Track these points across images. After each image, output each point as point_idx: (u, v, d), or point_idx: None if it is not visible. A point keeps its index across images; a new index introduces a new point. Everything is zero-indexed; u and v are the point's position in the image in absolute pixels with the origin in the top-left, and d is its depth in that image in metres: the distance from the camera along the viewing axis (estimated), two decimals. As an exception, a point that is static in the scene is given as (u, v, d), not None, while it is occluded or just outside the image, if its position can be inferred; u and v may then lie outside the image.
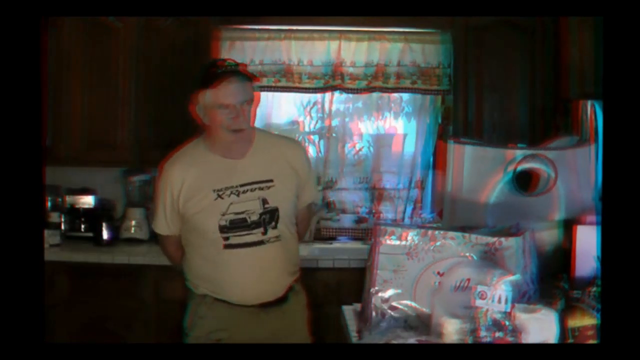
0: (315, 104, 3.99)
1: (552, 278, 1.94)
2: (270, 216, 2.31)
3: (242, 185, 2.31)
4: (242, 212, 2.28)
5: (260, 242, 2.30)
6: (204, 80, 2.27)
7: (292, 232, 2.42)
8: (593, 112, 3.23)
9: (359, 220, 4.00)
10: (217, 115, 2.26)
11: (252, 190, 2.31)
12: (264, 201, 2.31)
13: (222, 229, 2.28)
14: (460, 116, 3.72)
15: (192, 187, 2.31)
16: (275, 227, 2.32)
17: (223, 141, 2.32)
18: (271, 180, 2.34)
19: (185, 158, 2.38)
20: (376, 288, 1.86)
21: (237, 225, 2.28)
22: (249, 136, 2.37)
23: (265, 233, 2.30)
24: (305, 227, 2.64)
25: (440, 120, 3.94)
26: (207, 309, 2.33)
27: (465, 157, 2.45)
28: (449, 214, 2.50)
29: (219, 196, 2.29)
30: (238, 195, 2.30)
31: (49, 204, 3.80)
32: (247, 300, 2.32)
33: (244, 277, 2.30)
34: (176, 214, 2.35)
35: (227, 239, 2.28)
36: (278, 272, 2.36)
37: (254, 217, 2.29)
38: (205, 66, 2.37)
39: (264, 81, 3.74)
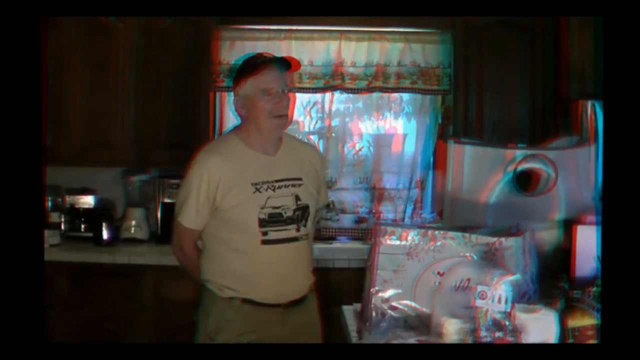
0: (315, 104, 3.99)
1: (552, 278, 1.94)
2: (302, 213, 2.35)
3: (277, 181, 2.33)
4: (279, 207, 2.30)
5: (295, 239, 2.33)
6: (245, 70, 2.33)
7: (313, 232, 2.46)
8: (593, 112, 3.23)
9: (359, 220, 4.00)
10: (259, 102, 2.29)
11: (285, 186, 2.34)
12: (297, 198, 2.34)
13: (261, 223, 2.28)
14: (460, 116, 3.72)
15: (230, 180, 2.30)
16: (305, 225, 2.36)
17: (263, 132, 2.33)
18: (300, 179, 2.38)
19: (221, 149, 2.38)
20: (376, 288, 1.86)
21: (275, 219, 2.30)
22: (280, 135, 2.41)
23: (298, 230, 2.33)
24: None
25: (440, 120, 3.94)
26: (235, 312, 2.31)
27: (465, 157, 2.45)
28: (449, 214, 2.50)
29: (257, 190, 2.30)
30: (274, 190, 2.32)
31: (49, 204, 3.80)
32: (277, 298, 2.33)
33: (278, 274, 2.32)
34: (208, 207, 2.32)
35: (265, 234, 2.29)
36: (306, 270, 2.41)
37: (289, 213, 2.32)
38: (243, 58, 2.42)
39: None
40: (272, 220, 2.29)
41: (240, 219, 2.30)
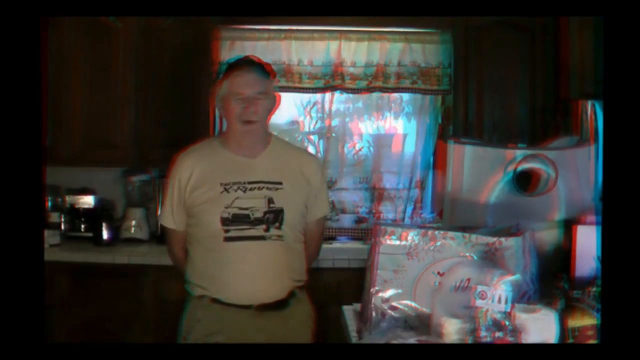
0: (315, 104, 3.99)
1: (552, 278, 1.94)
2: (274, 216, 2.31)
3: (249, 183, 2.32)
4: (247, 209, 2.29)
5: (261, 238, 2.29)
6: (223, 72, 2.35)
7: (298, 239, 2.39)
8: (593, 112, 3.23)
9: (359, 220, 4.00)
10: (230, 105, 2.30)
11: (259, 188, 2.32)
12: (270, 200, 2.31)
13: (224, 222, 2.28)
14: (460, 116, 3.72)
15: (200, 178, 2.33)
16: (279, 228, 2.31)
17: (236, 135, 2.34)
18: (280, 183, 2.34)
19: (197, 151, 2.42)
20: (376, 288, 1.86)
21: (240, 219, 2.28)
22: (264, 138, 2.40)
23: (267, 230, 2.29)
24: (316, 245, 2.55)
25: (440, 120, 3.95)
26: (204, 311, 2.32)
27: (465, 157, 2.45)
28: (449, 214, 2.50)
29: (226, 190, 2.30)
30: (245, 191, 2.31)
31: (49, 204, 3.80)
32: (244, 298, 2.29)
33: (243, 271, 2.28)
34: (182, 206, 2.35)
35: (227, 231, 2.28)
36: (278, 272, 2.32)
37: (258, 215, 2.29)
38: (227, 61, 2.45)
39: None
40: (237, 220, 2.28)
41: (205, 218, 2.31)
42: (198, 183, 2.33)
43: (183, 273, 2.45)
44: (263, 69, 2.34)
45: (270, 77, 2.37)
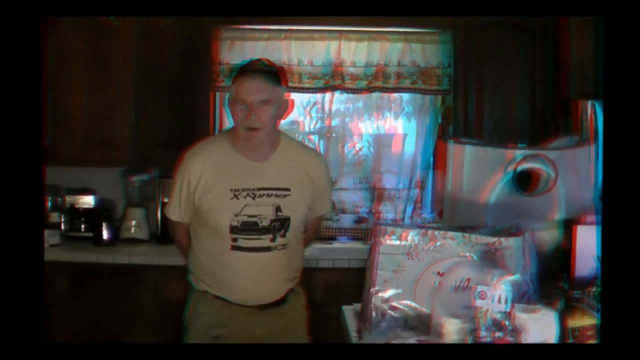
0: (315, 104, 3.99)
1: (552, 278, 1.94)
2: (280, 224, 2.32)
3: (259, 189, 2.31)
4: (255, 216, 2.30)
5: (267, 249, 2.32)
6: (233, 75, 2.34)
7: (299, 240, 2.44)
8: (593, 112, 3.23)
9: (359, 220, 4.00)
10: (234, 110, 2.29)
11: (268, 195, 2.32)
12: (277, 209, 2.32)
13: (233, 230, 2.29)
14: (460, 116, 3.72)
15: (209, 182, 2.32)
16: (284, 236, 2.34)
17: (242, 140, 2.31)
18: (288, 189, 2.34)
19: (207, 151, 2.38)
20: (376, 288, 1.86)
21: (248, 228, 2.29)
22: (271, 142, 2.36)
23: (273, 240, 2.32)
24: (312, 235, 2.64)
25: (440, 120, 3.95)
26: (207, 305, 2.36)
27: (465, 157, 2.45)
28: (449, 214, 2.50)
29: (235, 196, 2.30)
30: (254, 198, 2.30)
31: (49, 204, 3.80)
32: (246, 301, 2.35)
33: (246, 280, 2.32)
34: (190, 204, 2.36)
35: (235, 240, 2.29)
36: (280, 279, 2.39)
37: (265, 223, 2.30)
38: (239, 63, 2.43)
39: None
40: (245, 228, 2.29)
41: (214, 223, 2.31)
42: (207, 187, 2.31)
43: (184, 256, 2.50)
44: (271, 75, 2.29)
45: (280, 83, 2.31)
